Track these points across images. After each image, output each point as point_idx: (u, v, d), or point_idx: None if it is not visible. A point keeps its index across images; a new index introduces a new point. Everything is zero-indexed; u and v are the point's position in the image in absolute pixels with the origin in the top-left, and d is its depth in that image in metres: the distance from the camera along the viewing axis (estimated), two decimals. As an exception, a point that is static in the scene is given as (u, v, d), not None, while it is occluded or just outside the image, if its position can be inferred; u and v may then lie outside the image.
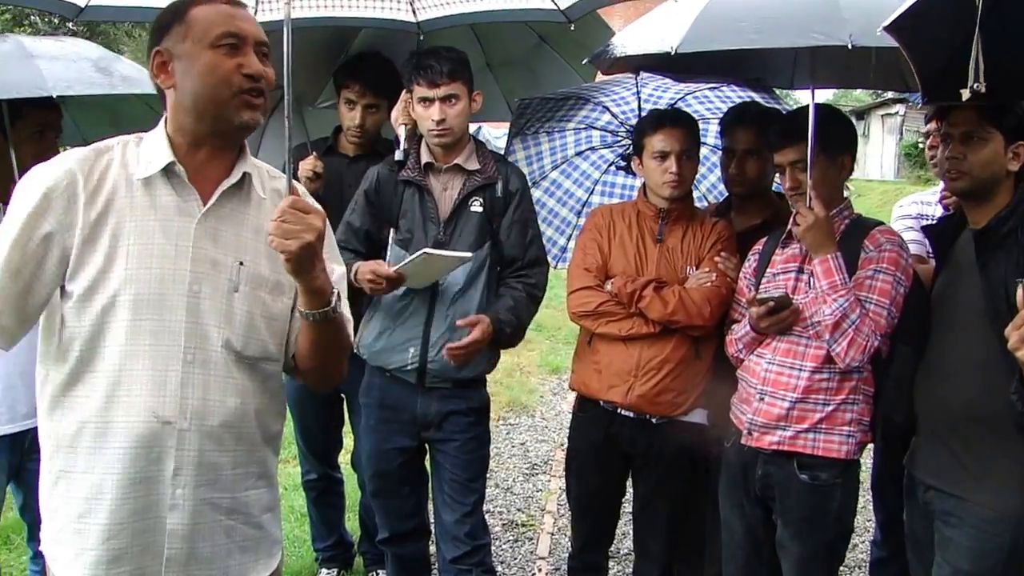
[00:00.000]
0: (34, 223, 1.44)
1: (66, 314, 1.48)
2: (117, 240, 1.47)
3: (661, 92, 3.32)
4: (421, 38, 2.56)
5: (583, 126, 3.44)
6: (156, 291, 1.48)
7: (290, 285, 1.57)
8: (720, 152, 2.99)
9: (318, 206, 1.65)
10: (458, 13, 2.55)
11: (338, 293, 1.54)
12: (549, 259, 3.40)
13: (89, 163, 1.50)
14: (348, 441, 3.54)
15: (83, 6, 2.37)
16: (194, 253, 1.51)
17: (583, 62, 3.11)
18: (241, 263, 1.54)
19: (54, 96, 2.42)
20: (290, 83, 1.52)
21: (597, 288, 2.70)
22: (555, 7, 2.53)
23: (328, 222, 1.70)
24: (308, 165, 2.84)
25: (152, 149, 1.53)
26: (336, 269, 1.68)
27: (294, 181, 1.70)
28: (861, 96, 25.24)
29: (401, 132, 2.74)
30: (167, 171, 1.51)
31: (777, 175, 2.63)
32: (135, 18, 2.38)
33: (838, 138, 2.44)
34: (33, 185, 1.47)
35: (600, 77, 3.40)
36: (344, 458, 3.59)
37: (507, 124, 3.46)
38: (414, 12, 2.53)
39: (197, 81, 1.49)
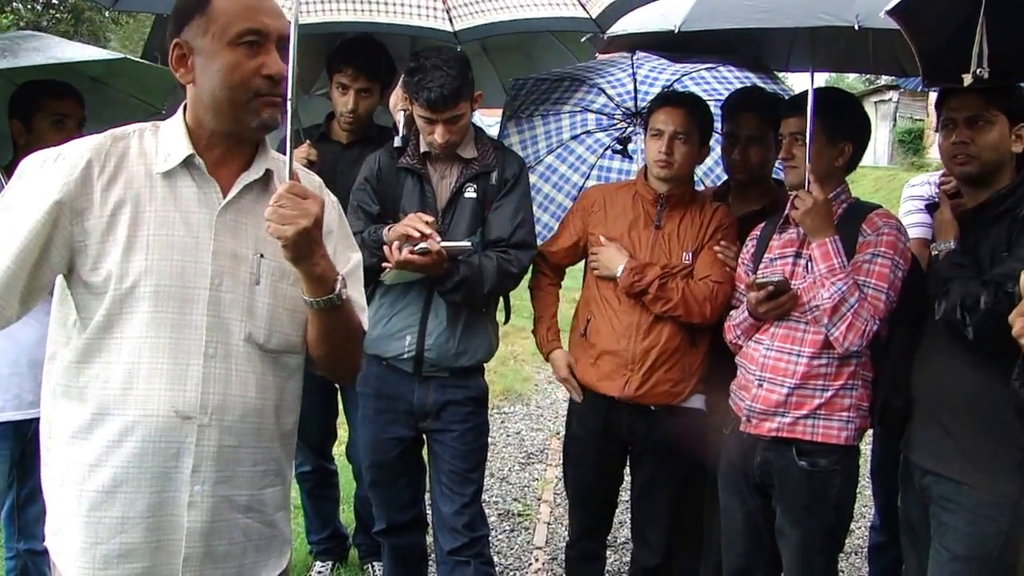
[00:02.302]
0: (42, 205, 1.40)
1: (81, 302, 1.45)
2: (136, 230, 1.44)
3: (657, 73, 3.29)
4: (459, 48, 2.53)
5: (578, 109, 3.40)
6: (177, 284, 1.45)
7: None
8: (715, 136, 2.96)
9: (328, 192, 1.64)
10: (494, 22, 2.54)
11: (343, 279, 1.51)
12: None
13: (104, 149, 1.46)
14: (343, 432, 3.51)
15: None
16: (215, 246, 1.48)
17: (582, 40, 3.08)
18: (262, 256, 1.51)
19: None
20: (295, 79, 1.50)
21: (541, 274, 2.87)
22: (587, 15, 2.52)
23: (340, 208, 1.69)
24: (302, 153, 2.81)
25: (171, 140, 1.50)
26: (353, 257, 1.65)
27: (300, 166, 1.68)
28: (854, 83, 25.29)
29: (400, 118, 2.71)
30: (187, 163, 1.49)
31: (778, 160, 2.61)
32: (170, 10, 2.38)
33: (843, 123, 2.42)
34: (43, 168, 1.43)
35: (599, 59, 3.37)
36: (339, 449, 3.56)
37: (500, 110, 3.42)
38: (451, 21, 2.52)
39: (216, 81, 1.45)
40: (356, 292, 1.63)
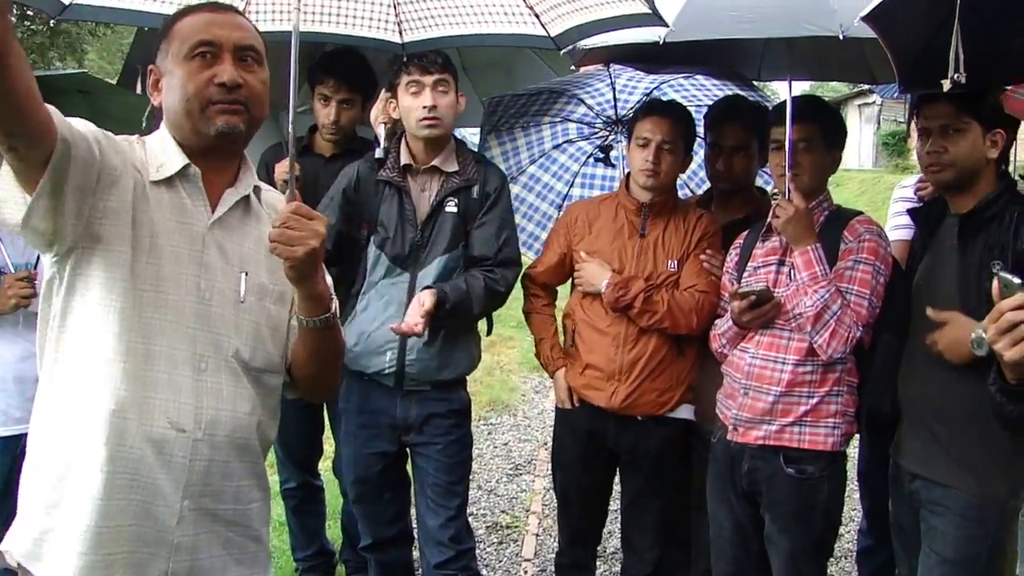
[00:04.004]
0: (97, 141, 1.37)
1: (76, 301, 1.41)
2: (140, 230, 1.43)
3: (636, 82, 3.30)
4: (404, 59, 2.56)
5: (559, 119, 3.41)
6: (171, 295, 1.44)
7: (291, 296, 1.55)
8: (697, 140, 2.97)
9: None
10: (446, 36, 2.56)
11: (335, 298, 1.54)
12: (530, 253, 3.38)
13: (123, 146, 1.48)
14: (329, 447, 3.48)
15: (67, 3, 2.32)
16: (205, 260, 1.48)
17: (562, 51, 3.09)
18: (245, 273, 1.52)
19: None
20: (296, 91, 1.52)
21: (532, 297, 2.89)
22: (546, 34, 2.52)
23: None
24: (284, 167, 2.80)
25: (163, 151, 1.49)
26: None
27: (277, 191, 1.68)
28: (838, 87, 25.47)
29: (381, 131, 2.72)
30: (180, 174, 1.48)
31: (762, 168, 2.62)
32: (118, 20, 2.36)
33: (836, 132, 2.46)
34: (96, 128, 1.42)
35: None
36: (324, 464, 3.53)
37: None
38: (400, 33, 2.54)
39: (174, 95, 1.47)
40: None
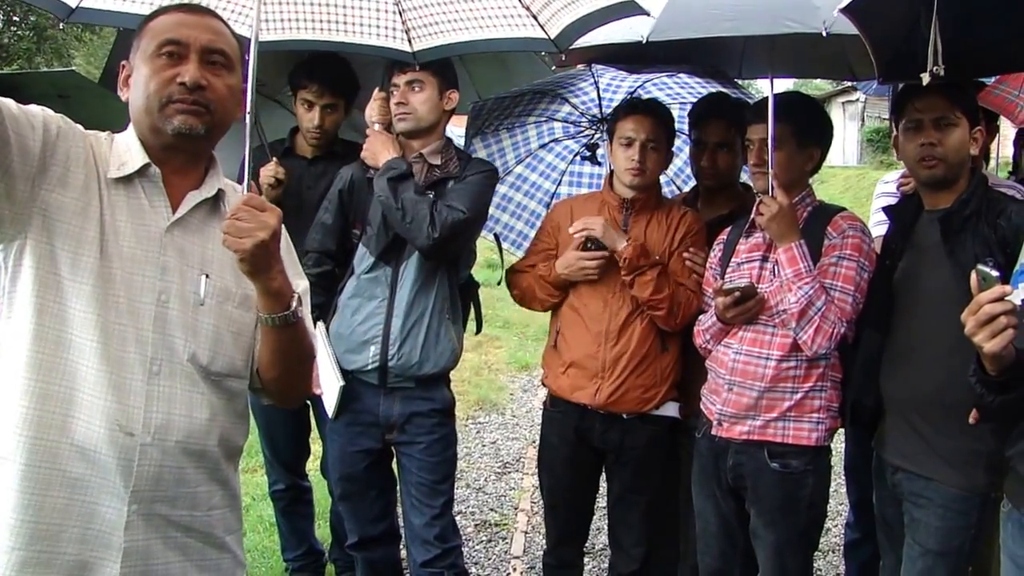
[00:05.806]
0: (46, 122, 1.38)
1: (17, 294, 1.39)
2: (101, 229, 1.41)
3: (619, 81, 3.31)
4: (417, 68, 2.59)
5: (543, 119, 3.42)
6: (125, 295, 1.42)
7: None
8: (683, 137, 2.98)
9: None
10: (453, 43, 2.57)
11: (299, 297, 1.51)
12: (519, 252, 3.39)
13: (88, 141, 1.47)
14: (316, 447, 3.48)
15: (74, 7, 2.33)
16: (163, 262, 1.46)
17: (563, 53, 3.09)
18: (207, 276, 1.49)
19: None
20: (254, 94, 1.53)
21: (519, 271, 2.87)
22: (546, 36, 2.54)
23: (288, 235, 1.65)
24: (269, 172, 2.79)
25: (126, 149, 1.48)
26: (300, 284, 1.62)
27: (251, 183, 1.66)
28: (822, 84, 25.60)
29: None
30: (141, 173, 1.47)
31: (745, 166, 2.63)
32: (126, 24, 2.35)
33: (811, 128, 2.45)
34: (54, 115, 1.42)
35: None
36: (312, 465, 3.54)
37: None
38: (410, 41, 2.56)
39: (138, 91, 1.47)
40: (305, 319, 1.60)
